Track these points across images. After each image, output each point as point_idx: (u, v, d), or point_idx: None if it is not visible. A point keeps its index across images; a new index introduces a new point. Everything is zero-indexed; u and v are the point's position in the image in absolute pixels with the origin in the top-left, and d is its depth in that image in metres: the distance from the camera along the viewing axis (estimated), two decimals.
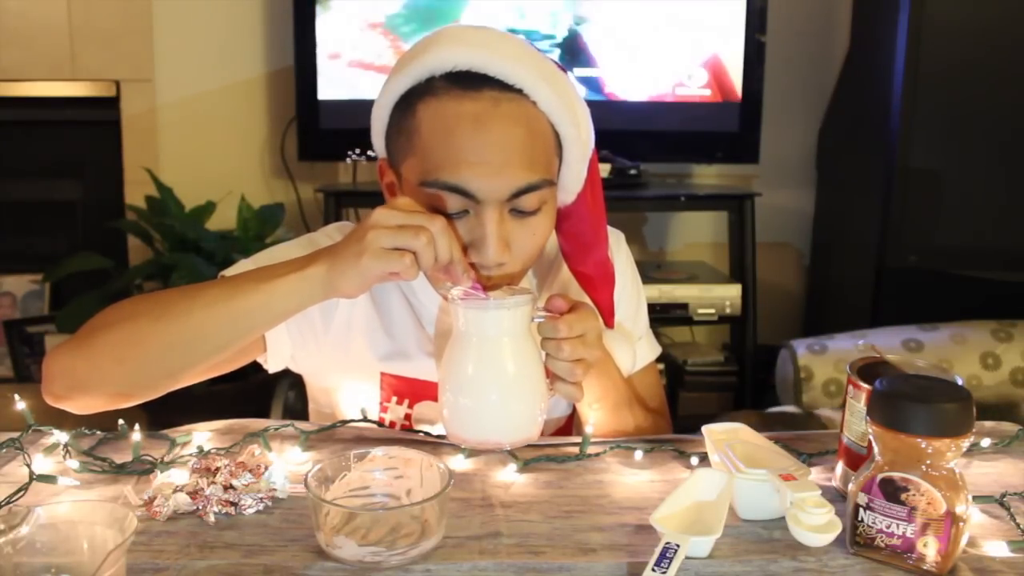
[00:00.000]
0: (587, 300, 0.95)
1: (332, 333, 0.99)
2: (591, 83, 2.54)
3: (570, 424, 1.11)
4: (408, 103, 0.86)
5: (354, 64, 2.50)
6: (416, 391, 1.02)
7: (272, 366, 0.99)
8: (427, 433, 0.96)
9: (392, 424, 1.03)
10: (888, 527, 0.70)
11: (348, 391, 1.05)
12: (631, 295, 1.11)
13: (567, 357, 0.83)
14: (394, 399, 1.03)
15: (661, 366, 1.18)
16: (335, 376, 1.05)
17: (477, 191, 0.83)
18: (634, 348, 1.09)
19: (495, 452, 0.87)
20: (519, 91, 0.84)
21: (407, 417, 1.03)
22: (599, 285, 0.98)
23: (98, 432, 0.95)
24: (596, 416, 0.99)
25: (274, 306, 0.81)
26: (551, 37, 2.50)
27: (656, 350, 1.15)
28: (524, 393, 0.84)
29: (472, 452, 0.91)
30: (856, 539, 0.72)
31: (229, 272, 0.94)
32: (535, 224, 0.88)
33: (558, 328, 0.82)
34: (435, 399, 0.98)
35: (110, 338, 0.83)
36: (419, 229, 0.77)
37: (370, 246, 0.77)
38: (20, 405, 0.91)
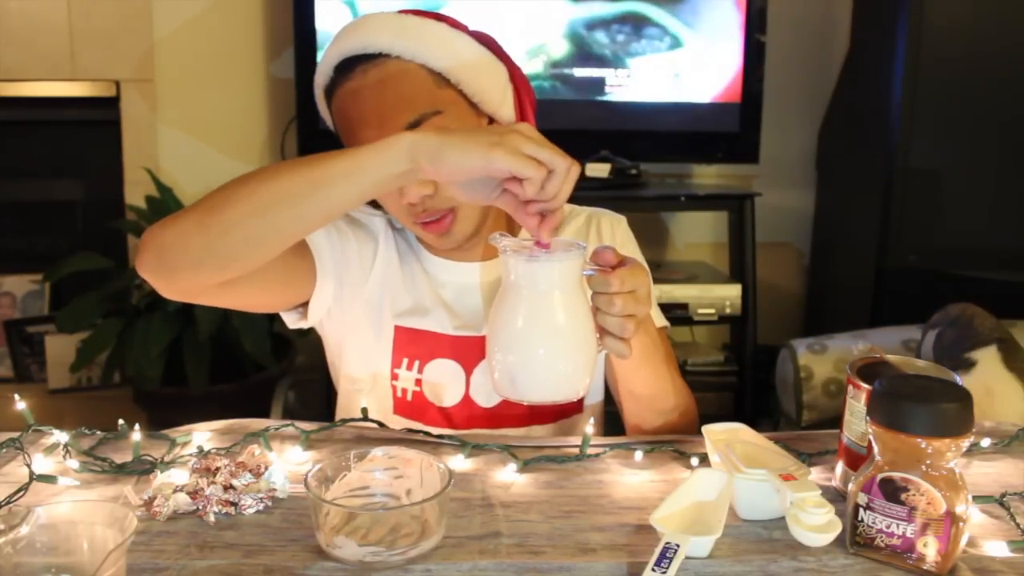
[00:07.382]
0: (639, 257, 1.07)
1: (370, 285, 1.08)
2: (593, 83, 2.54)
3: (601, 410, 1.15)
4: (329, 97, 1.05)
5: None
6: (428, 346, 1.05)
7: (312, 315, 1.05)
8: (427, 433, 0.96)
9: (404, 392, 1.05)
10: (888, 527, 0.70)
11: (363, 355, 1.08)
12: None
13: (619, 312, 0.81)
14: (404, 362, 1.05)
15: None
16: (355, 334, 1.08)
17: None
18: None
19: (545, 405, 0.85)
20: (378, 55, 0.99)
21: (418, 383, 1.05)
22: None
23: (98, 432, 0.95)
24: (639, 376, 0.97)
25: (358, 172, 0.81)
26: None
27: (663, 322, 1.15)
28: (573, 347, 0.81)
29: (472, 452, 0.91)
30: (856, 539, 0.72)
31: None
32: None
33: (610, 282, 0.81)
34: (445, 355, 1.03)
35: (200, 206, 0.85)
36: (566, 156, 0.79)
37: (509, 143, 0.77)
38: (20, 405, 0.92)
